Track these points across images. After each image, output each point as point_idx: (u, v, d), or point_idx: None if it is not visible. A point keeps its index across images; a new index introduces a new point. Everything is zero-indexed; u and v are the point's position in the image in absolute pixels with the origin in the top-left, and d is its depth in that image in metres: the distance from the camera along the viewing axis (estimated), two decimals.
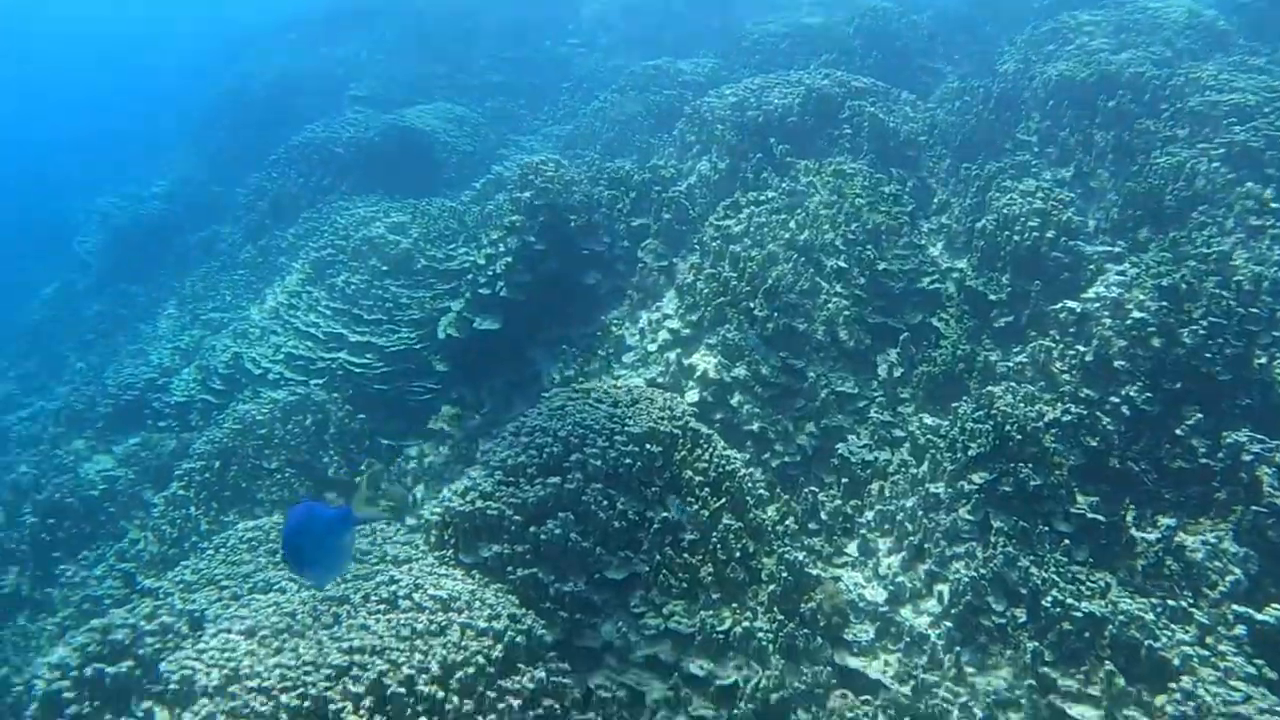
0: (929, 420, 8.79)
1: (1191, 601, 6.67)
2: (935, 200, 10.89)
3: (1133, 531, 7.14)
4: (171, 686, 6.25)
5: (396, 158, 17.50)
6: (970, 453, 7.76)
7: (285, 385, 11.15)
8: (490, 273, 10.82)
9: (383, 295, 11.62)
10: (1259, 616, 6.39)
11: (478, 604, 6.68)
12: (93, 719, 6.47)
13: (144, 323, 17.64)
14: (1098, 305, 8.57)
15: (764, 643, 6.94)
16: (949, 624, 7.10)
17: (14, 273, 26.57)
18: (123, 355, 16.21)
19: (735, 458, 8.22)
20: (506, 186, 12.05)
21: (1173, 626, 6.53)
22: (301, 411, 10.51)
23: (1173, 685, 6.07)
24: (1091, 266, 9.25)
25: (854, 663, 7.11)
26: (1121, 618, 6.41)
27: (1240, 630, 6.40)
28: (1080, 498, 7.42)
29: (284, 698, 5.71)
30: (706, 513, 7.46)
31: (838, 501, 8.38)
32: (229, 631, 6.51)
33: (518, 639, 6.45)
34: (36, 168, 35.41)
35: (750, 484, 8.14)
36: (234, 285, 16.03)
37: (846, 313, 9.52)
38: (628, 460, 7.48)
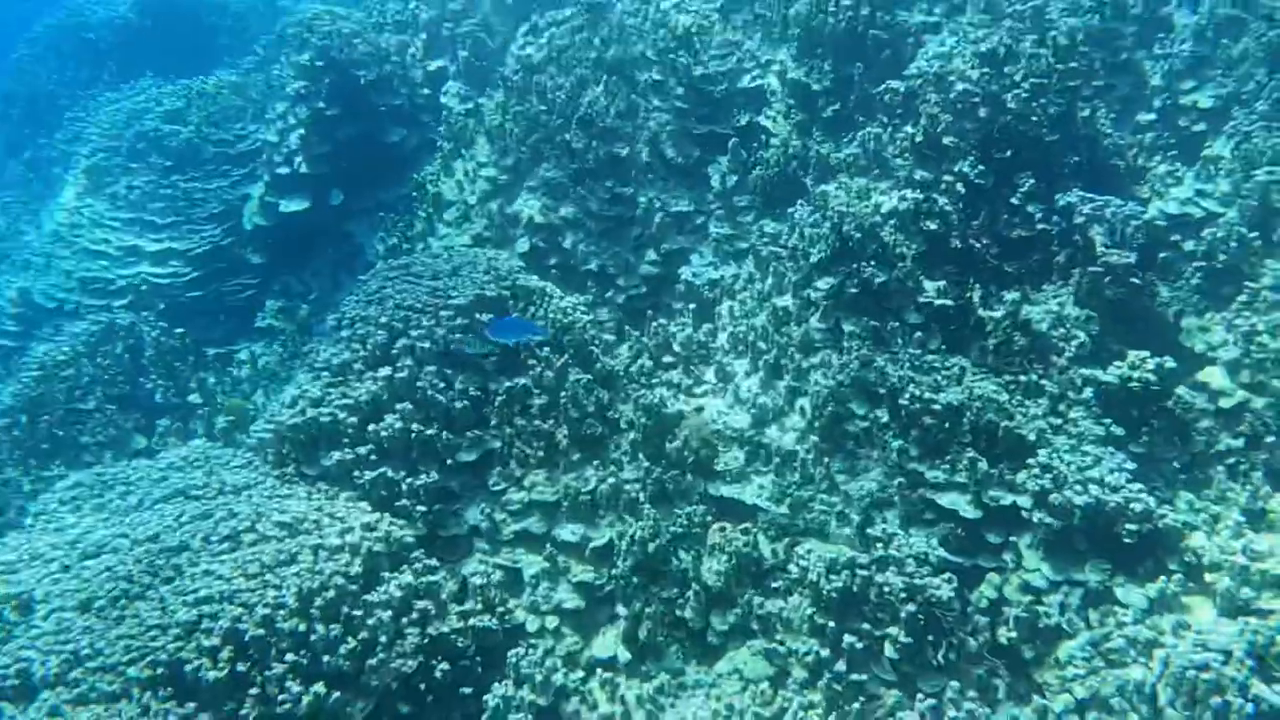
0: (770, 228, 8.45)
1: (1041, 373, 6.66)
2: None
3: (980, 311, 7.03)
4: (10, 683, 5.72)
5: (159, 32, 15.63)
6: (812, 259, 7.46)
7: (86, 314, 10.10)
8: (286, 149, 9.85)
9: (173, 194, 10.50)
10: (1103, 376, 6.43)
11: (326, 520, 6.28)
12: None
13: None
14: (920, 82, 8.18)
15: (633, 493, 6.75)
16: (815, 437, 7.00)
17: None
18: None
19: (573, 307, 7.79)
20: (289, 47, 10.81)
21: (1026, 403, 6.53)
22: (109, 340, 9.59)
23: (1031, 461, 6.11)
24: (911, 40, 8.83)
25: (728, 491, 6.99)
26: (978, 404, 6.36)
27: (1088, 393, 6.44)
28: (927, 284, 7.24)
29: (131, 671, 5.28)
30: (551, 373, 7.08)
31: (689, 330, 8.10)
32: (63, 610, 5.96)
33: (376, 547, 6.11)
34: None
35: (595, 331, 7.78)
36: (5, 210, 14.27)
37: (670, 127, 8.99)
38: (458, 335, 6.99)
